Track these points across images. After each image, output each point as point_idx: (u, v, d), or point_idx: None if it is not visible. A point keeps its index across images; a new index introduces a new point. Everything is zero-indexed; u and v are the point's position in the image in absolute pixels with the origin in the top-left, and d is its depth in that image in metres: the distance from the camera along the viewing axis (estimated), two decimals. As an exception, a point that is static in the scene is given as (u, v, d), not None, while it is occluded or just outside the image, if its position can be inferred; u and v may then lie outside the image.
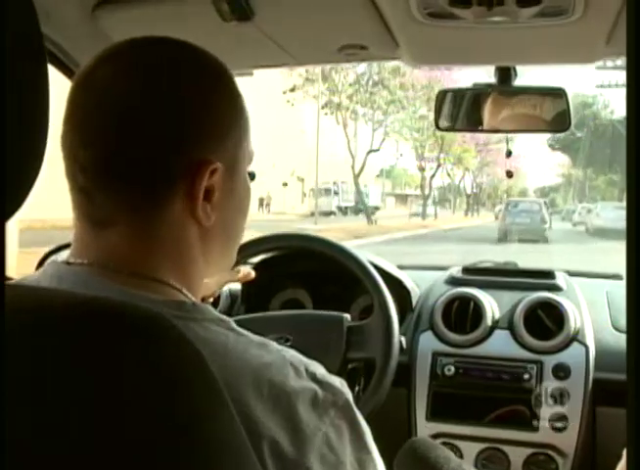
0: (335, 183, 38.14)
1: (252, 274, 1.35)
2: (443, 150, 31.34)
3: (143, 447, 0.52)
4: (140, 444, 0.52)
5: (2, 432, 0.49)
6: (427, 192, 32.72)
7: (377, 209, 42.60)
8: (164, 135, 0.69)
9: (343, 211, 39.01)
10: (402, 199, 53.38)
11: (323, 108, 25.72)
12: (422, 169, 32.43)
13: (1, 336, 0.52)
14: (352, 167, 24.54)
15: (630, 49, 0.47)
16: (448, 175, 39.80)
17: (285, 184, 30.78)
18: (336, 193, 38.83)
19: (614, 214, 22.08)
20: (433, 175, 32.69)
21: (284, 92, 24.60)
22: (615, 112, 47.68)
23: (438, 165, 32.36)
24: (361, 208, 37.11)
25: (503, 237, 21.36)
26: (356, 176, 24.51)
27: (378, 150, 26.58)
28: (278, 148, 31.67)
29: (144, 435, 0.52)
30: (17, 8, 0.54)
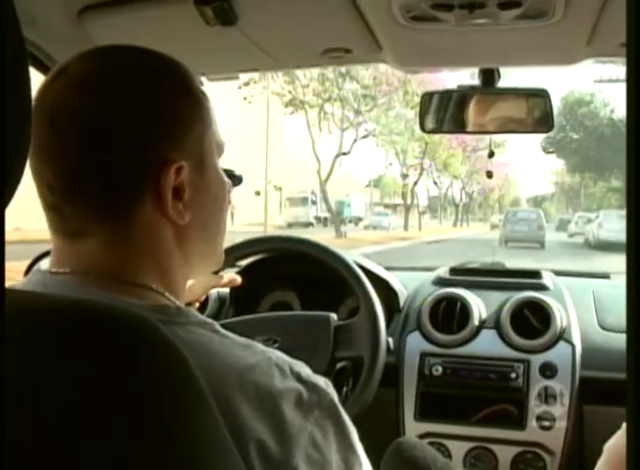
0: (312, 192, 35.38)
1: (239, 280, 1.32)
2: (428, 155, 29.29)
3: (127, 452, 0.52)
4: (125, 448, 0.52)
5: (2, 432, 0.50)
6: (409, 201, 30.84)
7: (360, 219, 40.53)
8: (121, 143, 0.69)
9: (323, 221, 36.22)
10: (392, 209, 51.82)
11: (287, 106, 23.06)
12: (404, 176, 30.48)
13: (1, 336, 0.52)
14: (318, 173, 21.97)
15: (630, 49, 0.48)
16: (435, 183, 37.87)
17: (257, 193, 28.21)
18: (313, 202, 36.36)
19: (619, 225, 20.71)
20: (415, 182, 30.57)
21: (239, 87, 20.55)
22: (615, 110, 44.90)
23: (421, 172, 30.55)
24: (344, 218, 34.21)
25: (503, 243, 24.25)
26: (323, 182, 21.82)
27: (348, 153, 23.64)
28: (252, 155, 28.66)
29: (128, 439, 0.52)
30: None
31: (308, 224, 34.41)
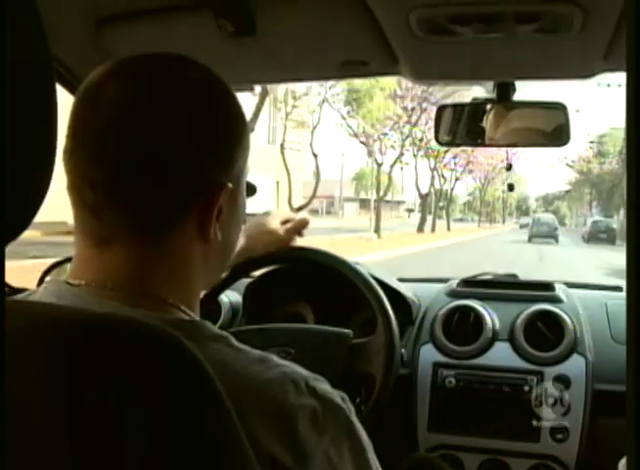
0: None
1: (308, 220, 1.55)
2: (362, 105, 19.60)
3: (153, 460, 0.53)
4: (149, 457, 0.53)
5: (2, 432, 0.50)
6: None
7: (267, 214, 35.24)
8: (180, 155, 0.69)
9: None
10: (367, 205, 39.61)
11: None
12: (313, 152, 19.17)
13: (1, 337, 0.52)
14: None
15: (630, 54, 0.48)
16: (369, 155, 25.00)
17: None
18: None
19: None
20: (282, 145, 18.68)
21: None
22: None
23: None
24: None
25: (530, 238, 33.08)
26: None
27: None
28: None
29: (152, 449, 0.53)
30: (24, 26, 0.55)
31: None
